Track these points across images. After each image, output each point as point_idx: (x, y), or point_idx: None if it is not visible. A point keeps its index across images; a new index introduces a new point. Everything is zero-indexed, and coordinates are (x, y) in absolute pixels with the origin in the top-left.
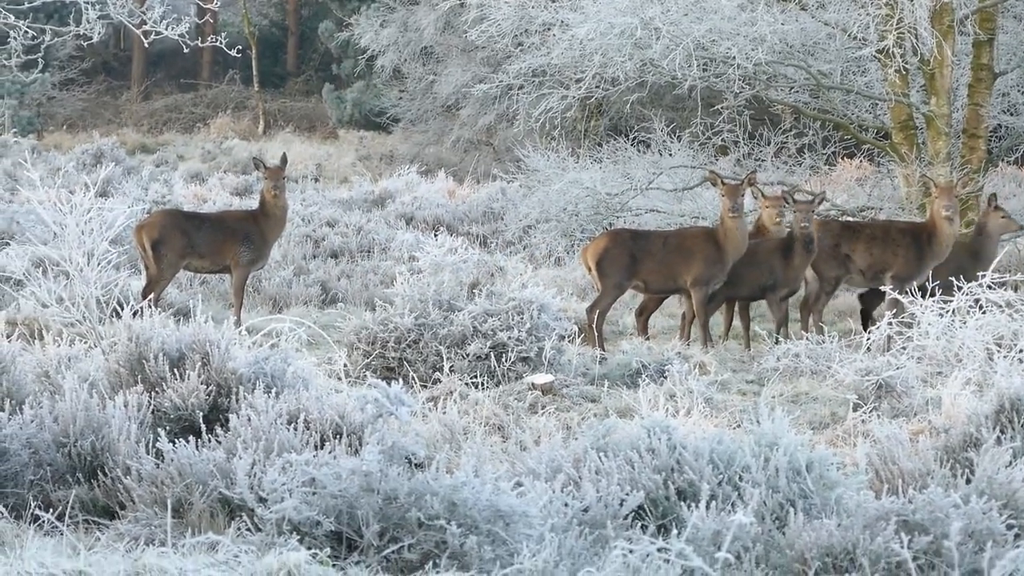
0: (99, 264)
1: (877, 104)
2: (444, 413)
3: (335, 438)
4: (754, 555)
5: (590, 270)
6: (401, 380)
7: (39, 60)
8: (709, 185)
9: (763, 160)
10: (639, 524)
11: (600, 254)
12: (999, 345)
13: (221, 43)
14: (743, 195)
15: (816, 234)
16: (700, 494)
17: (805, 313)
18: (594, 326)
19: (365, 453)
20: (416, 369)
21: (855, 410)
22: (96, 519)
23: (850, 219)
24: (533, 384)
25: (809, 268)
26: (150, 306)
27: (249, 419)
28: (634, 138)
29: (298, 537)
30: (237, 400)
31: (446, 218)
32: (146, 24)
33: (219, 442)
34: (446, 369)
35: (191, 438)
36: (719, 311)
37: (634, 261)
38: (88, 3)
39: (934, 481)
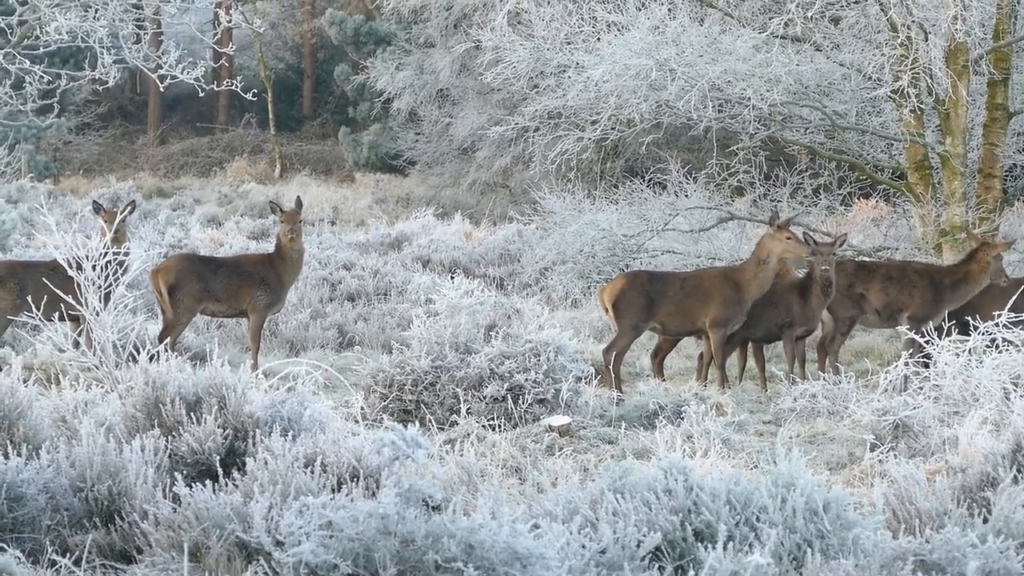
0: (115, 308)
1: (892, 144)
2: (461, 455)
3: (352, 481)
4: None
5: (607, 311)
6: (418, 423)
7: (55, 105)
8: (725, 226)
9: (779, 201)
10: (656, 565)
11: (617, 296)
12: (1015, 384)
13: (237, 87)
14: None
15: (834, 276)
16: (717, 535)
17: (822, 353)
18: (611, 368)
19: (382, 496)
20: (433, 411)
21: (872, 450)
22: (113, 564)
23: (865, 259)
24: (550, 426)
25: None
26: (167, 350)
27: (266, 462)
28: (650, 179)
29: None
30: (254, 443)
31: (463, 260)
32: (162, 68)
33: (236, 486)
34: (463, 411)
35: (208, 482)
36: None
37: (651, 303)
38: (103, 48)
39: (951, 521)
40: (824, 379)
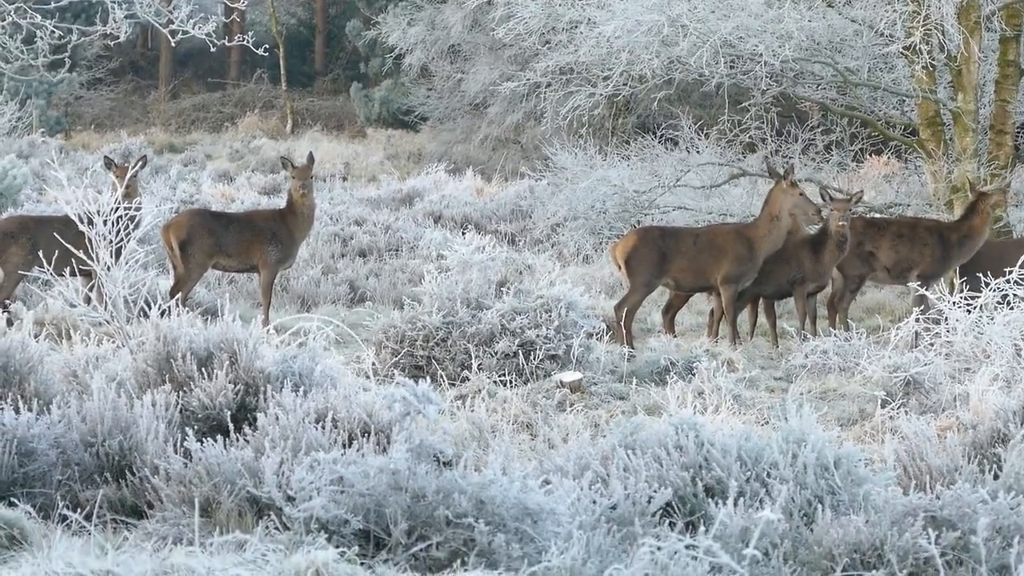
0: (127, 264)
1: (904, 100)
2: (472, 411)
3: (363, 436)
4: (782, 552)
5: (619, 268)
6: (429, 378)
7: (66, 60)
8: (737, 183)
9: (791, 157)
10: (667, 521)
11: (629, 252)
12: None
13: (248, 42)
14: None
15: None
16: (728, 491)
17: (832, 310)
18: (622, 324)
19: (393, 451)
20: (444, 367)
21: (883, 406)
22: (124, 519)
23: (875, 216)
24: (561, 382)
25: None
26: (178, 305)
27: (277, 418)
28: (662, 135)
29: (326, 536)
30: (265, 399)
31: (474, 216)
32: (173, 23)
33: (247, 441)
34: (474, 367)
35: (219, 437)
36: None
37: (664, 259)
38: (115, 3)
39: (962, 477)
40: (835, 335)
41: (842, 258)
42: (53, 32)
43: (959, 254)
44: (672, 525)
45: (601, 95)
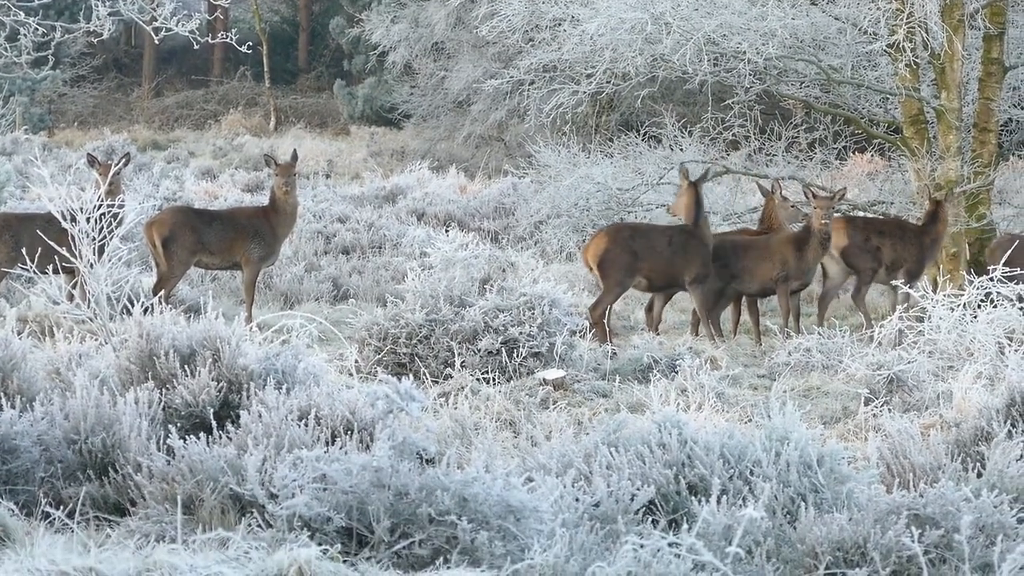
0: (110, 261)
1: (888, 98)
2: (455, 409)
3: (346, 434)
4: (765, 549)
5: (591, 269)
6: (412, 376)
7: (49, 57)
8: (720, 180)
9: (774, 155)
10: (650, 519)
11: (600, 253)
12: (1010, 339)
13: (232, 40)
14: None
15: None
16: (711, 489)
17: (821, 307)
18: (598, 324)
19: (376, 449)
20: (427, 365)
21: (866, 404)
22: (107, 516)
23: (869, 216)
24: (544, 379)
25: (837, 263)
26: (161, 303)
27: (260, 415)
28: (645, 133)
29: (309, 533)
30: (248, 396)
31: (457, 214)
32: (156, 21)
33: (230, 439)
34: (457, 365)
35: (202, 435)
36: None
37: (635, 258)
38: (98, 0)
39: (945, 475)
40: (819, 333)
41: (824, 255)
42: (36, 29)
43: (931, 255)
44: (655, 523)
45: (584, 93)
